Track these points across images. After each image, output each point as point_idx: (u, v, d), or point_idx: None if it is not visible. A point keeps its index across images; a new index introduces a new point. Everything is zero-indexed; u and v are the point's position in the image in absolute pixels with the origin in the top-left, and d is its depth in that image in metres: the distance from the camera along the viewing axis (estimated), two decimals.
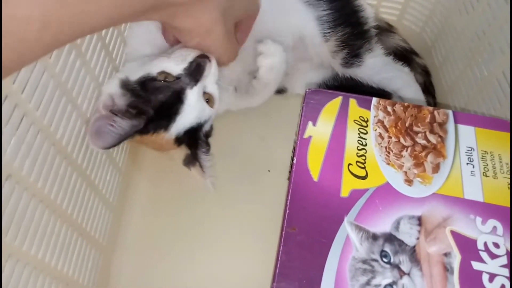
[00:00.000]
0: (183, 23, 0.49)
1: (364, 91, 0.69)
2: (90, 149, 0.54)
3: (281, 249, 0.43)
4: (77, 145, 0.50)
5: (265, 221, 0.57)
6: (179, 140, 0.58)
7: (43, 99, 0.43)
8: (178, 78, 0.55)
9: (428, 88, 0.76)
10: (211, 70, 0.56)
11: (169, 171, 0.69)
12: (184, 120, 0.56)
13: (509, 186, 0.47)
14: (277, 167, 0.68)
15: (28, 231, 0.41)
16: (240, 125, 0.72)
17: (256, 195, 0.67)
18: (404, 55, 0.79)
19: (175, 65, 0.55)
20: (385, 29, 0.80)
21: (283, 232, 0.43)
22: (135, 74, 0.55)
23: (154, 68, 0.55)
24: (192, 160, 0.61)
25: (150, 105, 0.54)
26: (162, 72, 0.54)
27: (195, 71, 0.55)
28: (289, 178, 0.48)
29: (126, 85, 0.55)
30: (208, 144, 0.63)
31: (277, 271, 0.41)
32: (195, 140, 0.60)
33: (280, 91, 0.74)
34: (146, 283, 0.60)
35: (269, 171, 0.69)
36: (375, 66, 0.70)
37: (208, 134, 0.63)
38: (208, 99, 0.58)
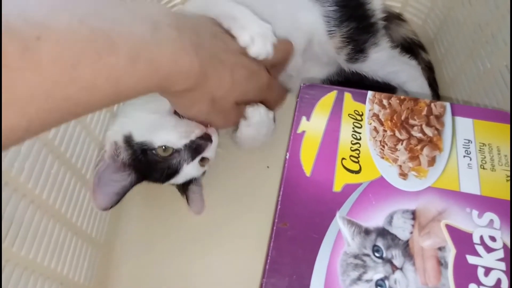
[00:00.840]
0: (173, 105, 0.51)
1: (369, 86, 0.68)
2: (84, 148, 0.54)
3: (271, 244, 0.42)
4: (71, 145, 0.51)
5: (264, 218, 0.56)
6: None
7: None
8: (177, 151, 0.57)
9: (431, 85, 0.74)
10: (211, 149, 0.59)
11: None
12: (178, 180, 0.60)
13: (508, 178, 0.45)
14: (276, 163, 0.66)
15: (19, 231, 0.41)
16: None
17: (255, 191, 0.66)
18: (411, 48, 0.77)
19: (177, 139, 0.56)
20: (395, 17, 0.79)
21: (274, 228, 0.43)
22: (138, 135, 0.56)
23: (157, 140, 0.56)
24: (182, 191, 0.64)
25: (148, 168, 0.57)
26: (163, 145, 0.56)
27: (195, 151, 0.58)
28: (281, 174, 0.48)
29: (129, 142, 0.56)
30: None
31: (267, 267, 0.41)
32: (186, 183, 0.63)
33: None
34: (145, 280, 0.60)
35: (268, 167, 0.69)
36: (380, 60, 0.68)
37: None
38: (203, 160, 0.61)
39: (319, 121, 0.50)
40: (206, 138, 0.58)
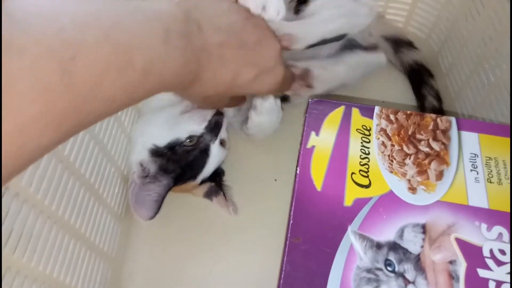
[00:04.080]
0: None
1: None
2: (98, 163, 0.55)
3: (285, 259, 0.43)
4: (85, 159, 0.51)
5: (272, 230, 0.57)
6: (203, 181, 0.65)
7: None
8: (201, 136, 0.61)
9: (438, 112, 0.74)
10: (224, 126, 0.65)
11: None
12: (209, 168, 0.64)
13: None
14: (284, 176, 0.68)
15: (36, 247, 0.41)
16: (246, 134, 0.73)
17: (263, 204, 0.67)
18: (420, 74, 0.78)
19: (197, 125, 0.62)
20: (406, 43, 0.80)
21: (287, 242, 0.44)
22: (162, 140, 0.61)
23: (182, 134, 0.61)
24: (214, 191, 0.67)
25: (179, 165, 0.61)
26: (189, 136, 0.61)
27: (215, 128, 0.63)
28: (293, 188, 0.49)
29: (156, 152, 0.61)
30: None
31: (281, 281, 0.42)
32: (215, 174, 0.66)
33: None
34: None
35: (275, 180, 0.69)
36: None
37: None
38: (222, 142, 0.65)
39: (328, 136, 0.51)
40: (218, 113, 0.63)
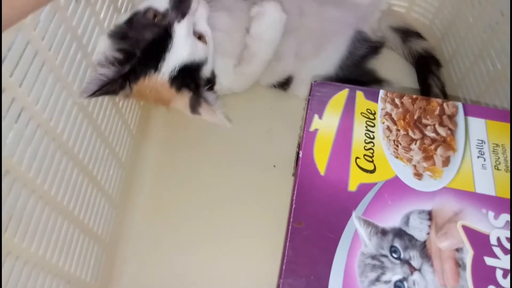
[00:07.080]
0: None
1: None
2: (92, 145, 0.53)
3: (287, 244, 0.41)
4: (78, 140, 0.49)
5: (271, 217, 0.56)
6: (176, 83, 0.57)
7: (42, 93, 0.42)
8: (165, 14, 0.54)
9: None
10: (198, 6, 0.56)
11: (172, 167, 0.68)
12: (175, 56, 0.55)
13: None
14: (283, 162, 0.66)
15: (28, 228, 0.40)
16: (245, 120, 0.71)
17: (262, 190, 0.65)
18: (427, 63, 0.76)
19: None
20: (415, 34, 0.79)
21: (290, 227, 0.42)
22: (123, 17, 0.56)
23: (141, 5, 0.55)
24: (197, 100, 0.59)
25: (138, 46, 0.53)
26: (150, 9, 0.54)
27: (181, 5, 0.54)
28: (294, 174, 0.47)
29: (114, 33, 0.55)
30: (212, 88, 0.62)
31: (283, 267, 0.40)
32: (195, 80, 0.59)
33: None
34: (150, 279, 0.59)
35: (274, 166, 0.68)
36: None
37: (211, 81, 0.62)
38: (200, 36, 0.57)
39: (332, 119, 0.50)
40: None
